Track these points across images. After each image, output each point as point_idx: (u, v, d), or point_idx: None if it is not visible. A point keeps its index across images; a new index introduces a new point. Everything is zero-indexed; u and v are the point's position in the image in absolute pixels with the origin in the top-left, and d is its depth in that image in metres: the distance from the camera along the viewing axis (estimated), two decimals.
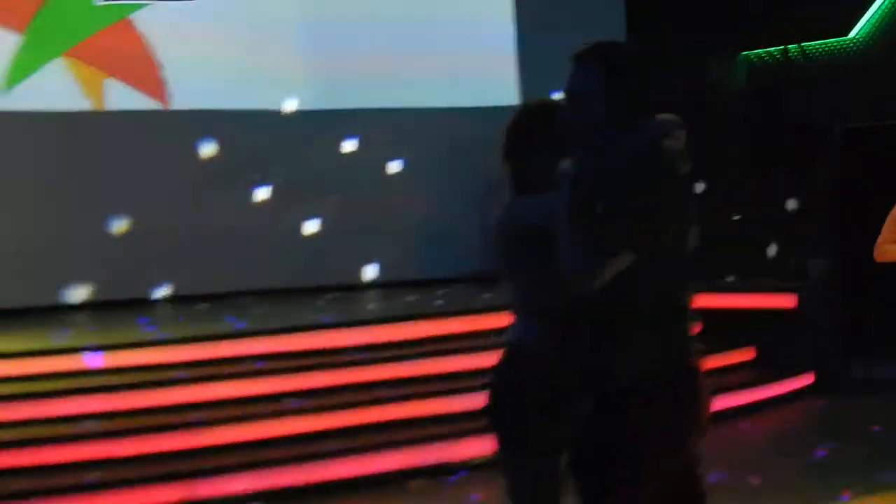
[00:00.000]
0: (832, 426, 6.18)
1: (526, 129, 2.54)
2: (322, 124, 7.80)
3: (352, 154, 7.98)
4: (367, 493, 5.02)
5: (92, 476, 4.72)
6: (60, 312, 7.10)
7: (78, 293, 7.13)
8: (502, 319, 3.66)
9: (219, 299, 7.26)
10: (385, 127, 7.98)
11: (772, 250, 7.83)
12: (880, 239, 4.57)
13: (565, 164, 2.13)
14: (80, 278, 7.13)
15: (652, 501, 2.12)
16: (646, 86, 2.26)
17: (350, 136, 7.92)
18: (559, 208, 2.13)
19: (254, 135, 7.58)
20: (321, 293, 7.63)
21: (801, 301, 6.87)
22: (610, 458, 2.04)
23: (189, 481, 4.86)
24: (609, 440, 2.02)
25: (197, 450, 5.15)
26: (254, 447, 5.21)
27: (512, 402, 2.43)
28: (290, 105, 7.64)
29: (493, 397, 2.48)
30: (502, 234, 2.57)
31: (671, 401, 2.02)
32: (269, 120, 7.64)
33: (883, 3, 8.43)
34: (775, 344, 6.80)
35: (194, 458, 5.06)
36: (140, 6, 7.43)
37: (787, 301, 6.98)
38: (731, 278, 7.66)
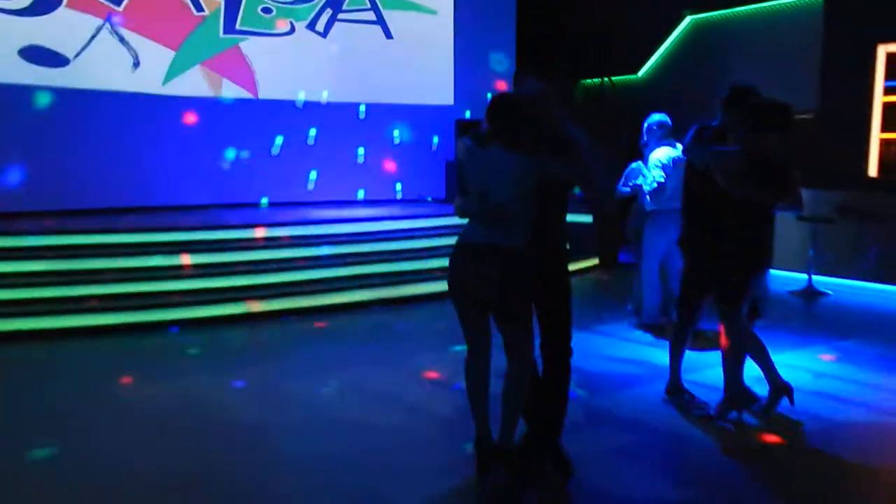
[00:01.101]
0: (604, 288, 8.23)
1: (510, 109, 3.21)
2: (342, 107, 9.90)
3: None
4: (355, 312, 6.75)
5: None
6: None
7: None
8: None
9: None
10: (381, 109, 10.08)
11: None
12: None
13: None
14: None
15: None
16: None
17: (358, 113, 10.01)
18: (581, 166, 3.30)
19: (300, 115, 9.64)
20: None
21: (594, 220, 9.08)
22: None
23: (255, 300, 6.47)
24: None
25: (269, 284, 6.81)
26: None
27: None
28: (324, 96, 9.82)
29: (448, 263, 3.35)
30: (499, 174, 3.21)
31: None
32: (314, 106, 9.70)
33: (658, 55, 10.60)
34: (580, 242, 8.55)
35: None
36: (244, 39, 9.36)
37: (586, 219, 9.05)
38: None
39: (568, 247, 3.62)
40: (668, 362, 4.51)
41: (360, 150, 10.14)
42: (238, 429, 4.14)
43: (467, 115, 10.27)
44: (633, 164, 6.26)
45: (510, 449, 3.35)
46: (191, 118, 9.20)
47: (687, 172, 4.32)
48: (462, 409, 3.70)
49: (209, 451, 3.83)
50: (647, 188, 5.95)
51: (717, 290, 4.16)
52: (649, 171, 5.94)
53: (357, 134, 10.12)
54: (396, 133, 10.33)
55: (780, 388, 4.14)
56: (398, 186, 10.43)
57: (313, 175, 9.91)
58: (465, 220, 3.44)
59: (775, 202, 4.03)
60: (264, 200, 9.53)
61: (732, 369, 4.24)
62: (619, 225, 8.59)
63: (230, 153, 9.39)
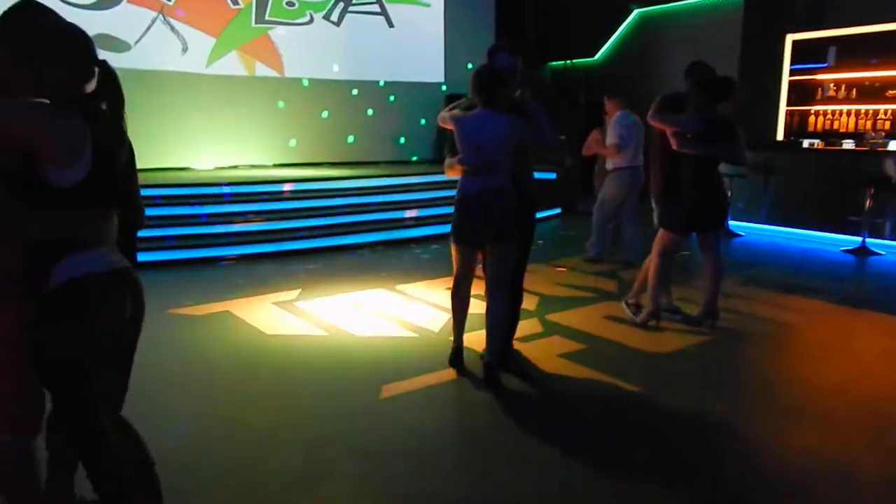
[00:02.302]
0: (563, 231, 8.22)
1: (491, 78, 3.19)
2: (349, 84, 9.80)
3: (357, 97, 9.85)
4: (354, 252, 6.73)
5: None
6: None
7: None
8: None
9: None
10: (384, 84, 9.99)
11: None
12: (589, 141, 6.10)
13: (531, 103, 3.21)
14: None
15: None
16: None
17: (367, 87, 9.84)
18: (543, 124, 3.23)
19: (314, 88, 9.52)
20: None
21: (557, 176, 8.89)
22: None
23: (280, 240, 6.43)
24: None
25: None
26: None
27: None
28: (336, 71, 9.66)
29: (454, 217, 3.31)
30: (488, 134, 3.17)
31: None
32: (325, 82, 9.58)
33: (611, 42, 10.42)
34: (546, 194, 8.47)
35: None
36: (272, 28, 9.17)
37: (551, 176, 8.86)
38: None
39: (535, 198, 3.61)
40: (606, 290, 4.56)
41: (370, 111, 10.02)
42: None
43: (443, 88, 10.15)
44: (595, 129, 6.27)
45: (492, 361, 3.43)
46: (231, 88, 9.03)
47: (655, 135, 4.32)
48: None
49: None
50: (609, 147, 5.91)
51: (704, 222, 4.19)
52: (609, 135, 5.92)
53: (364, 104, 10.01)
54: (392, 100, 10.16)
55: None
56: (402, 141, 10.29)
57: (349, 136, 9.74)
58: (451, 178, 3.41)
59: (722, 156, 4.07)
60: (293, 142, 9.52)
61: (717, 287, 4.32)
62: (579, 180, 8.73)
63: (260, 120, 9.24)
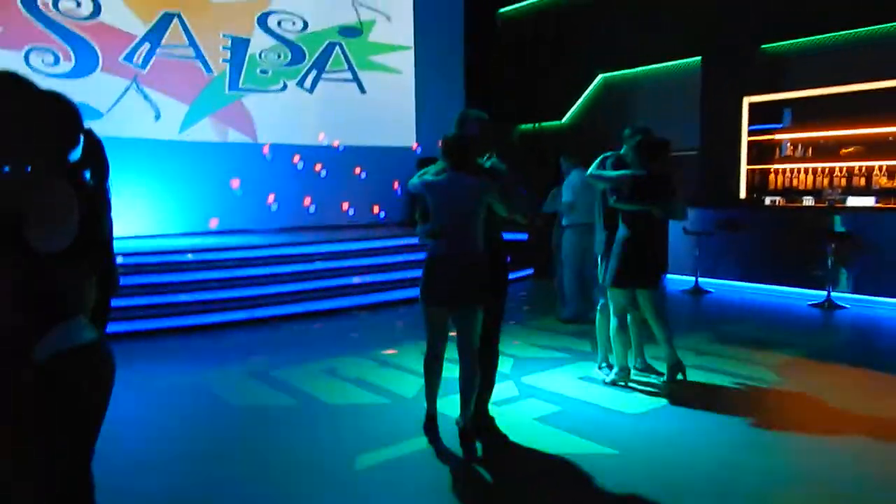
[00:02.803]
0: (536, 293, 8.35)
1: (464, 144, 3.30)
2: (326, 148, 9.86)
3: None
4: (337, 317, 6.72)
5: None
6: None
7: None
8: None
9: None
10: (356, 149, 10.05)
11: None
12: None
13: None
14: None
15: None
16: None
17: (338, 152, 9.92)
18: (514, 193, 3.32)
19: (287, 154, 9.58)
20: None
21: (529, 237, 8.77)
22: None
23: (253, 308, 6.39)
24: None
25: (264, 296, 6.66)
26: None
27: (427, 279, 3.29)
28: (322, 138, 9.80)
29: (423, 280, 3.33)
30: (453, 196, 3.25)
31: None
32: (309, 149, 9.62)
33: (577, 105, 10.68)
34: (519, 255, 8.18)
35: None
36: (245, 94, 9.33)
37: (522, 237, 8.69)
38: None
39: (508, 259, 3.65)
40: (580, 350, 4.59)
41: (337, 175, 10.06)
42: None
43: (417, 152, 10.24)
44: (554, 189, 6.40)
45: (465, 425, 3.39)
46: (201, 159, 9.07)
47: (600, 193, 4.49)
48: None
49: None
50: (561, 207, 6.04)
51: (641, 279, 4.26)
52: (564, 193, 6.06)
53: (339, 168, 10.09)
54: (360, 169, 10.27)
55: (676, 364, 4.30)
56: (375, 209, 10.39)
57: (308, 201, 9.86)
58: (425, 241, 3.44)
59: (655, 212, 4.20)
60: (274, 206, 9.56)
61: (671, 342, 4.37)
62: (549, 240, 8.81)
63: (234, 185, 9.30)
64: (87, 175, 1.74)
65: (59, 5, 8.09)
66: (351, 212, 10.21)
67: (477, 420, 3.52)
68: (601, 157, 4.54)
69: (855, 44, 7.96)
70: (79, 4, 8.23)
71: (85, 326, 1.67)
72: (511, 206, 3.42)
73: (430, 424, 3.53)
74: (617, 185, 4.25)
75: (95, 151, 1.76)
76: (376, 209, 10.43)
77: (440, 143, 3.37)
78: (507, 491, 3.00)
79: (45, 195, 1.56)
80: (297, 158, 9.74)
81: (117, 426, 2.31)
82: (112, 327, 5.00)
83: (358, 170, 10.22)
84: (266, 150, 9.53)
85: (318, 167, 9.88)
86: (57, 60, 8.07)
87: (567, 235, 6.12)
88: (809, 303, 7.07)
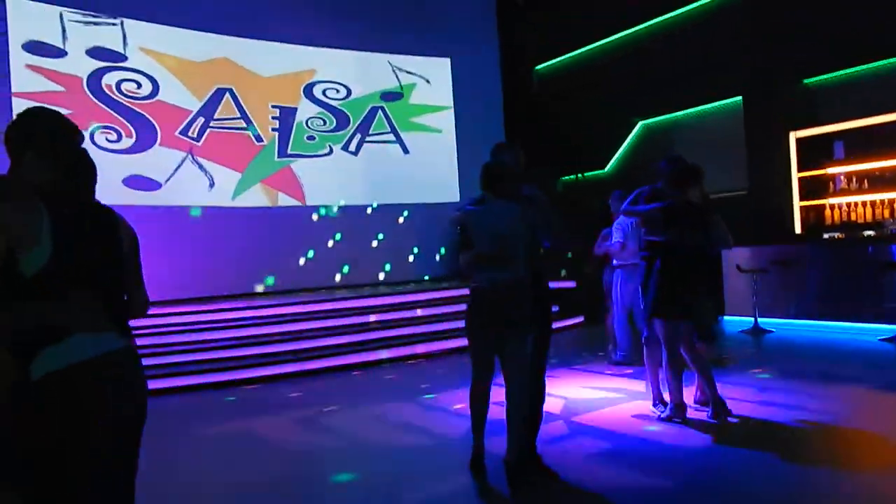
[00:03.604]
0: (587, 339, 8.11)
1: (502, 170, 3.36)
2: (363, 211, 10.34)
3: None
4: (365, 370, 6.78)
5: None
6: None
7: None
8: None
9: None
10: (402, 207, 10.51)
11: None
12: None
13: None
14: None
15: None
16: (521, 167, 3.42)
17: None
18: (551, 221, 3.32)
19: (335, 215, 10.06)
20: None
21: (577, 285, 9.21)
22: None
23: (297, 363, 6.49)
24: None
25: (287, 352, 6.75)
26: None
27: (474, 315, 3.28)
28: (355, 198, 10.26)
29: (468, 312, 3.33)
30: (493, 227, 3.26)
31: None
32: (348, 209, 10.07)
33: (619, 153, 10.82)
34: (569, 303, 8.99)
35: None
36: (294, 160, 9.79)
37: (571, 283, 9.34)
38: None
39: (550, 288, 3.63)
40: (633, 390, 4.45)
41: (384, 234, 10.26)
42: None
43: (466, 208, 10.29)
44: (605, 230, 6.32)
45: (514, 461, 3.28)
46: (254, 223, 9.42)
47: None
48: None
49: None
50: (612, 247, 5.99)
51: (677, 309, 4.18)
52: (614, 234, 6.02)
53: (383, 227, 10.34)
54: (406, 221, 10.46)
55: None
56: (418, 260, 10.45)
57: (347, 266, 10.02)
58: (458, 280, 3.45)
59: (686, 240, 4.11)
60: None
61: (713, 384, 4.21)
62: (600, 284, 8.71)
63: (288, 248, 9.56)
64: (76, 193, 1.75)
65: (122, 87, 8.72)
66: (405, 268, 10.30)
67: (524, 457, 3.40)
68: (637, 191, 4.53)
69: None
70: (139, 86, 8.85)
71: (89, 341, 1.64)
72: (552, 229, 3.42)
73: (477, 461, 3.43)
74: (648, 218, 4.21)
75: (85, 172, 1.77)
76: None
77: (480, 173, 3.42)
78: None
79: (8, 212, 1.59)
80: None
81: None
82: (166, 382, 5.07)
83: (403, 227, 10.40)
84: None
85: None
86: (119, 137, 8.63)
87: (617, 276, 6.03)
88: (880, 337, 6.70)
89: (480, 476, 3.42)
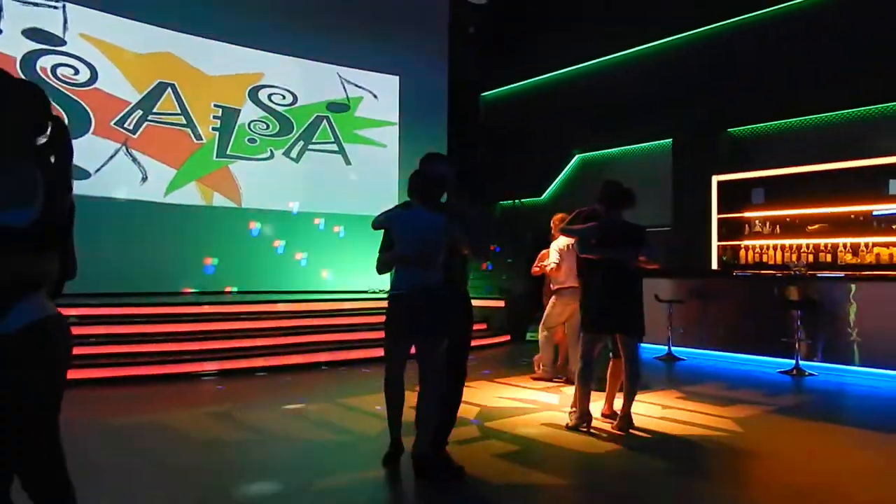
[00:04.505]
0: (511, 356, 8.26)
1: (431, 180, 3.48)
2: (308, 216, 10.25)
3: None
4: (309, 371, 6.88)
5: None
6: None
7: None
8: None
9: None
10: (339, 218, 10.46)
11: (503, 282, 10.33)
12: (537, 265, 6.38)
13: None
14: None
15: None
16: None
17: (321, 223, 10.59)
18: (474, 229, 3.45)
19: (274, 220, 9.98)
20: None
21: (506, 303, 9.57)
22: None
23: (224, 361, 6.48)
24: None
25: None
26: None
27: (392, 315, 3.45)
28: (295, 207, 10.24)
29: (386, 315, 3.49)
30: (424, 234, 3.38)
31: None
32: (286, 216, 10.03)
33: (556, 183, 11.24)
34: (495, 321, 9.53)
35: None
36: (233, 161, 9.74)
37: (501, 303, 9.64)
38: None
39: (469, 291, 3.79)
40: (548, 402, 4.67)
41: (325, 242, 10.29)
42: None
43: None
44: (543, 251, 6.54)
45: (421, 455, 3.42)
46: (185, 222, 9.33)
47: None
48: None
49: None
50: (549, 269, 6.23)
51: (609, 322, 4.43)
52: (551, 254, 6.26)
53: (320, 238, 10.39)
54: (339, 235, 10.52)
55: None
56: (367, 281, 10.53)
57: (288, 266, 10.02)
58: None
59: (619, 257, 4.41)
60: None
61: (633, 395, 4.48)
62: (526, 307, 8.97)
63: (216, 250, 9.48)
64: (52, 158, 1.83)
65: (58, 72, 8.55)
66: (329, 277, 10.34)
67: (433, 451, 3.54)
68: (576, 212, 4.81)
69: (817, 127, 8.55)
70: (77, 72, 8.70)
71: (49, 300, 1.77)
72: (472, 245, 3.58)
73: (393, 452, 3.55)
74: (583, 237, 4.48)
75: (61, 136, 1.85)
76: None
77: (409, 180, 3.58)
78: None
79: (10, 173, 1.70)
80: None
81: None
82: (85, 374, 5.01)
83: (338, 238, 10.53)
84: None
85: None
86: None
87: (553, 298, 6.28)
88: (779, 370, 7.20)
89: (393, 466, 3.53)
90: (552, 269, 6.20)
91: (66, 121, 2.90)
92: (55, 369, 1.73)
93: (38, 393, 1.69)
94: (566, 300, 6.16)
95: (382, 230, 3.61)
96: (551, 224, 6.49)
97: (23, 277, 1.68)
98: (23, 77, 1.68)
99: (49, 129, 1.85)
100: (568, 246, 6.12)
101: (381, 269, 3.55)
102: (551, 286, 6.38)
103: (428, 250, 3.37)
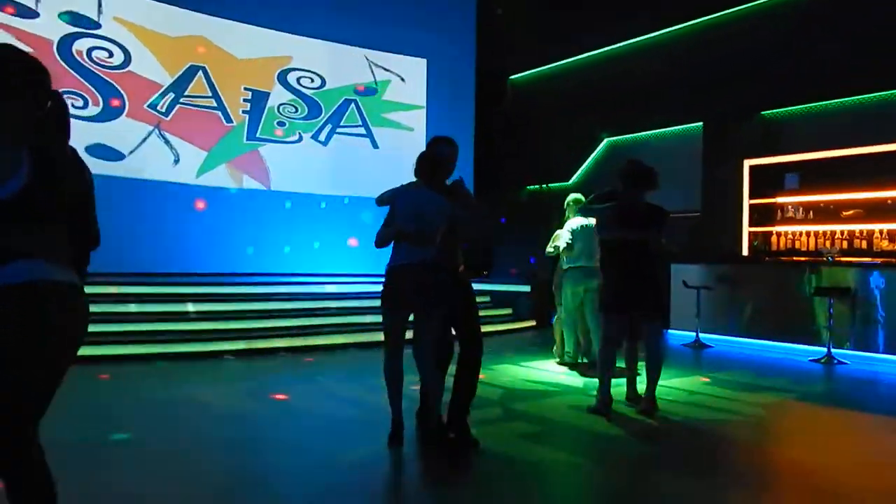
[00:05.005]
0: (536, 341, 8.35)
1: (435, 161, 3.56)
2: (336, 198, 10.44)
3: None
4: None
5: None
6: None
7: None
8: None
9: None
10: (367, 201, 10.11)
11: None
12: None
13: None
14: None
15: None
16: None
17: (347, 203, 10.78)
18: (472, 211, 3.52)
19: (305, 204, 10.12)
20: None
21: (531, 288, 9.60)
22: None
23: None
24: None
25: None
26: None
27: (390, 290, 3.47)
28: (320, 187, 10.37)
29: (383, 291, 3.51)
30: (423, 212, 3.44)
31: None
32: (319, 199, 10.18)
33: (584, 167, 11.16)
34: (520, 307, 9.65)
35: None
36: (262, 144, 9.84)
37: (527, 288, 9.72)
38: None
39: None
40: (573, 385, 4.70)
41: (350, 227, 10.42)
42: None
43: None
44: (557, 231, 6.47)
45: (431, 425, 3.50)
46: (215, 203, 9.51)
47: None
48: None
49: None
50: (560, 249, 6.22)
51: (626, 303, 4.39)
52: (563, 235, 6.24)
53: (346, 219, 10.47)
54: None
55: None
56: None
57: (316, 245, 10.18)
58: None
59: (633, 238, 4.34)
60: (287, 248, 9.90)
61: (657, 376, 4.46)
62: (550, 292, 8.97)
63: (247, 231, 9.63)
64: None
65: (93, 55, 8.73)
66: (354, 263, 10.46)
67: (458, 417, 3.58)
68: (594, 194, 4.78)
69: (851, 110, 8.34)
70: (111, 55, 8.87)
71: (50, 267, 1.74)
72: (471, 226, 3.61)
73: (396, 430, 3.58)
74: (600, 217, 4.46)
75: (61, 113, 1.87)
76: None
77: (415, 161, 3.62)
78: (466, 485, 3.08)
79: None
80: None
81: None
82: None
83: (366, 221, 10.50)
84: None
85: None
86: (86, 104, 8.63)
87: (565, 278, 6.26)
88: (810, 358, 7.11)
89: (398, 445, 3.56)
90: (564, 248, 6.14)
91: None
92: (41, 334, 1.68)
93: (12, 350, 1.64)
94: (577, 279, 6.07)
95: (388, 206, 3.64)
96: (565, 205, 6.45)
97: (11, 248, 1.68)
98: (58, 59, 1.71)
99: (48, 104, 1.86)
100: (582, 226, 6.06)
101: (378, 244, 3.57)
102: (562, 267, 6.30)
103: (426, 228, 3.40)
